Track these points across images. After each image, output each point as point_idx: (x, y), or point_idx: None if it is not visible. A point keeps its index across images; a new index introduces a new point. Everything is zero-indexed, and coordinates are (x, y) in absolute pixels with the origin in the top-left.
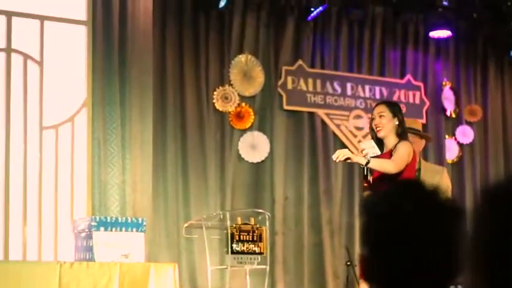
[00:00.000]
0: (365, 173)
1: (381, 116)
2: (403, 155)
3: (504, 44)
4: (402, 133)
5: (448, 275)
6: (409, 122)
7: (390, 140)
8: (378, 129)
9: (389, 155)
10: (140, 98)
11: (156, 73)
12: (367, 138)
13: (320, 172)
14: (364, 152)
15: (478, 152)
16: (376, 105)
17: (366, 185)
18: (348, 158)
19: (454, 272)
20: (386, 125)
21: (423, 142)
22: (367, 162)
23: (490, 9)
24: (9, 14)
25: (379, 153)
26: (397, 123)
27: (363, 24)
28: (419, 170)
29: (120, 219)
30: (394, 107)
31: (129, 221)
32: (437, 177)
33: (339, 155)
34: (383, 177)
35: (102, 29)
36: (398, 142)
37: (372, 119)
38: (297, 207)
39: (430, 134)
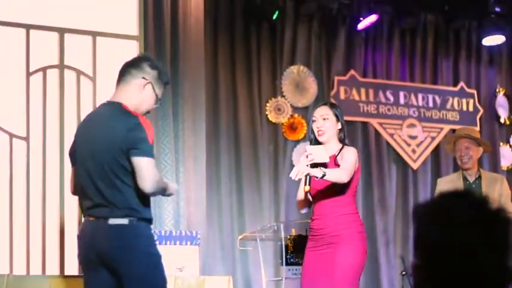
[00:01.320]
0: (306, 183)
1: (324, 119)
2: (352, 162)
3: None
4: (344, 138)
5: (501, 283)
6: (468, 130)
7: (332, 146)
8: (320, 132)
9: (333, 162)
10: (193, 111)
11: (209, 86)
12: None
13: (374, 181)
14: (309, 157)
15: None
16: (318, 107)
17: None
18: (308, 174)
19: (507, 280)
20: (330, 129)
21: (481, 150)
22: (323, 175)
23: None
24: (61, 31)
25: (327, 160)
26: (340, 127)
27: (414, 33)
28: (479, 178)
29: (174, 232)
30: (338, 110)
31: (183, 234)
32: (498, 185)
33: (298, 172)
34: (329, 188)
35: (153, 43)
36: (343, 148)
37: (312, 121)
38: None
39: (489, 143)
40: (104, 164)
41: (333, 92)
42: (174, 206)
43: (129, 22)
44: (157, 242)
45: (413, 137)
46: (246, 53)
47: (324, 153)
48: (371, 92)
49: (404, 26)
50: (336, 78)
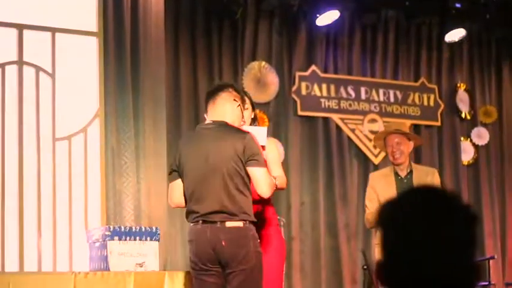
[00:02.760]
0: None
1: (247, 108)
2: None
3: None
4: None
5: (470, 280)
6: (398, 125)
7: None
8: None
9: None
10: (153, 107)
11: (170, 82)
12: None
13: (335, 176)
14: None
15: (493, 153)
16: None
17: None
18: None
19: (473, 277)
20: (248, 119)
21: (412, 144)
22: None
23: (503, 10)
24: (20, 27)
25: (265, 144)
26: (252, 116)
27: (375, 28)
28: (410, 172)
29: (134, 228)
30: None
31: (143, 230)
32: (429, 179)
33: None
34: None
35: (113, 39)
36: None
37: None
38: (313, 212)
39: (419, 136)
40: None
41: (294, 88)
42: (135, 202)
43: (89, 18)
44: (116, 238)
45: (374, 132)
46: (207, 49)
47: (264, 136)
48: (332, 87)
49: (365, 22)
50: (297, 73)
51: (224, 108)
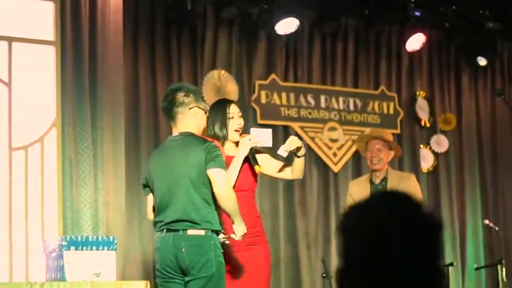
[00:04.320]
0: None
1: (241, 117)
2: None
3: (476, 53)
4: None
5: (434, 285)
6: (382, 132)
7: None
8: (240, 130)
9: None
10: (112, 117)
11: (129, 91)
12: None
13: (295, 184)
14: (254, 139)
15: (453, 161)
16: (232, 103)
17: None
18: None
19: (439, 282)
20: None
21: (392, 154)
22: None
23: (462, 19)
24: None
25: (270, 145)
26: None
27: (335, 37)
28: (385, 179)
29: (91, 238)
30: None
31: (100, 239)
32: (404, 183)
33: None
34: (252, 185)
35: (71, 48)
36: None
37: (230, 118)
38: (273, 220)
39: (400, 148)
40: None
41: (253, 96)
42: (93, 211)
43: (46, 27)
44: (72, 248)
45: (334, 140)
46: (166, 58)
47: (269, 137)
48: (292, 96)
49: (325, 30)
50: (257, 82)
51: (184, 120)
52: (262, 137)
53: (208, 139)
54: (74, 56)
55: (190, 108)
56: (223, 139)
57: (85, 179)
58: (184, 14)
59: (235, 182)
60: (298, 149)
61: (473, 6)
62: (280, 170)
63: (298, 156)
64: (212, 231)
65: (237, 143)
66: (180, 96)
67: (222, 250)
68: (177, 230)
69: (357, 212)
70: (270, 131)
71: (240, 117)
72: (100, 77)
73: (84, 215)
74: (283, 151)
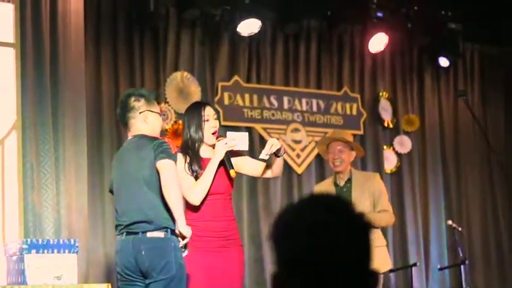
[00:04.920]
0: (231, 166)
1: (216, 119)
2: None
3: (438, 54)
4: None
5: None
6: (342, 134)
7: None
8: (216, 133)
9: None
10: (74, 119)
11: (91, 94)
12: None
13: (259, 186)
14: (230, 143)
15: (416, 162)
16: (207, 105)
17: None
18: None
19: (371, 284)
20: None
21: (354, 154)
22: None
23: (424, 19)
24: None
25: (247, 149)
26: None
27: (298, 38)
28: (349, 180)
29: (52, 241)
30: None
31: (61, 242)
32: (369, 184)
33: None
34: (228, 188)
35: (32, 51)
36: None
37: (206, 120)
38: (237, 222)
39: (361, 148)
40: None
41: (216, 98)
42: (55, 214)
43: (6, 29)
44: (33, 251)
45: (297, 142)
46: (128, 60)
47: (246, 140)
48: (255, 97)
49: (287, 31)
50: (220, 84)
51: (136, 125)
52: (239, 140)
53: (159, 138)
54: (34, 58)
55: (140, 113)
56: (199, 142)
57: (47, 181)
58: (146, 16)
59: (211, 185)
60: (278, 150)
61: (435, 7)
62: (261, 170)
63: (278, 156)
64: (172, 232)
65: (213, 146)
66: (131, 101)
67: (182, 252)
68: (136, 233)
69: (287, 216)
70: (246, 134)
71: (215, 119)
72: (61, 79)
73: (46, 218)
74: (264, 155)
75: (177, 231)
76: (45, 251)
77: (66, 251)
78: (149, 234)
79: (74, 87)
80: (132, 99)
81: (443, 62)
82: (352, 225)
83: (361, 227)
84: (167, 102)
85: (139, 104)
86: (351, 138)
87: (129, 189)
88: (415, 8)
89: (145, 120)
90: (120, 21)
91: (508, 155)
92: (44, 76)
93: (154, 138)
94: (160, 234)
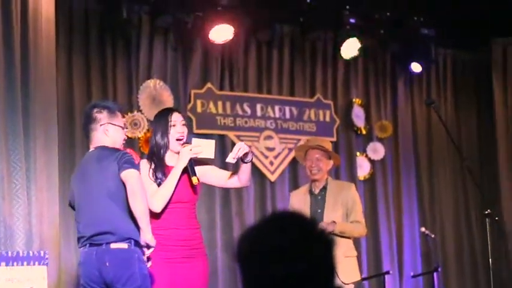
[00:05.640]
0: (194, 173)
1: (183, 125)
2: None
3: (411, 60)
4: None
5: None
6: (321, 141)
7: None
8: (183, 139)
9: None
10: (45, 128)
11: (63, 102)
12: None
13: (232, 194)
14: (195, 150)
15: (389, 168)
16: (174, 111)
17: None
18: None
19: None
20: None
21: (331, 163)
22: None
23: (398, 26)
24: None
25: (212, 157)
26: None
27: (271, 44)
28: (324, 189)
29: (21, 253)
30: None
31: (31, 254)
32: (343, 194)
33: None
34: (193, 196)
35: (2, 59)
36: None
37: (172, 126)
38: (210, 230)
39: (339, 157)
40: None
41: (189, 106)
42: (26, 225)
43: None
44: (3, 264)
45: (270, 149)
46: (101, 68)
47: (212, 148)
48: (228, 104)
49: (260, 38)
50: (193, 91)
51: (97, 136)
52: (205, 147)
53: (121, 149)
54: (5, 67)
55: (101, 125)
56: (164, 148)
57: (18, 192)
58: (119, 23)
59: (173, 193)
60: (245, 155)
61: (408, 13)
62: (228, 179)
63: (245, 162)
64: (136, 244)
65: (179, 153)
66: (94, 112)
67: (147, 263)
68: (100, 244)
69: (251, 237)
70: (213, 142)
71: (183, 125)
72: (32, 88)
73: (17, 228)
74: (231, 158)
75: (142, 242)
76: (15, 263)
77: (36, 263)
78: (113, 246)
79: (45, 96)
80: (95, 110)
81: (416, 67)
82: (309, 248)
83: (321, 246)
84: (140, 110)
85: (100, 116)
86: (329, 147)
87: (91, 201)
88: (388, 14)
89: (106, 133)
90: (92, 29)
91: (481, 161)
92: (14, 85)
93: (116, 150)
94: (124, 245)
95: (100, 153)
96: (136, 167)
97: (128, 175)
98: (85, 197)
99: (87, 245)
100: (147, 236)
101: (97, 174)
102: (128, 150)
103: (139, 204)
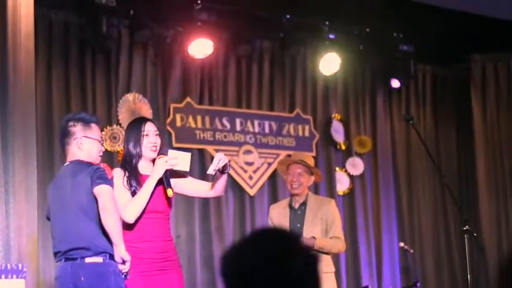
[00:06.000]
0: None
1: (157, 135)
2: None
3: (390, 76)
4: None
5: None
6: (303, 156)
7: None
8: (154, 148)
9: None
10: (24, 141)
11: (42, 116)
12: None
13: (211, 208)
14: (171, 162)
15: (368, 183)
16: (148, 121)
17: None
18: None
19: None
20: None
21: (313, 179)
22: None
23: (377, 41)
24: None
25: (187, 170)
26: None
27: (250, 59)
28: (304, 204)
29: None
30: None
31: (9, 267)
32: (323, 209)
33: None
34: (165, 207)
35: None
36: None
37: (145, 135)
38: (189, 244)
39: (320, 173)
40: None
41: (168, 120)
42: (4, 237)
43: None
44: None
45: (249, 163)
46: (80, 82)
47: (188, 161)
48: (207, 119)
49: (240, 53)
50: (172, 105)
51: (72, 150)
52: (180, 159)
53: (94, 163)
54: None
55: (75, 139)
56: (137, 157)
57: None
58: (98, 37)
59: (149, 203)
60: (224, 165)
61: (387, 29)
62: (204, 190)
63: (223, 173)
64: (110, 257)
65: (153, 161)
66: (68, 126)
67: (123, 276)
68: (75, 259)
69: (235, 254)
70: (189, 154)
71: (156, 135)
72: (11, 102)
73: None
74: (212, 170)
75: (117, 258)
76: None
77: (14, 276)
78: (88, 260)
79: (24, 110)
80: (69, 124)
81: (395, 83)
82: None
83: (303, 262)
84: (119, 124)
85: (75, 129)
86: (312, 162)
87: (65, 216)
88: (367, 29)
89: (80, 146)
90: (72, 43)
91: (460, 176)
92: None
93: (89, 164)
94: (99, 259)
95: (74, 168)
96: (109, 182)
97: (100, 191)
98: (58, 212)
99: (63, 259)
100: (121, 251)
101: (70, 189)
102: (102, 164)
103: (111, 220)
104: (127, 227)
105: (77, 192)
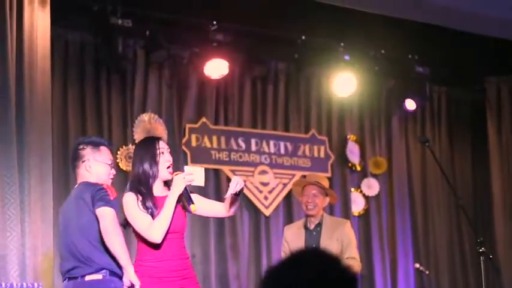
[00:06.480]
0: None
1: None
2: None
3: (406, 97)
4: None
5: None
6: (318, 178)
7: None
8: (172, 167)
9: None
10: (40, 160)
11: (59, 135)
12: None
13: (226, 228)
14: (188, 178)
15: (383, 204)
16: (160, 139)
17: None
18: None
19: None
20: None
21: (327, 200)
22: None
23: (392, 62)
24: None
25: (203, 185)
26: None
27: (266, 80)
28: (319, 225)
29: (15, 284)
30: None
31: (25, 286)
32: (339, 231)
33: (237, 183)
34: (182, 227)
35: None
36: None
37: (161, 153)
38: (204, 264)
39: (335, 195)
40: None
41: (184, 140)
42: (20, 256)
43: None
44: None
45: (265, 184)
46: (96, 102)
47: (203, 176)
48: (223, 139)
49: (255, 74)
50: (188, 125)
51: (81, 173)
52: (196, 175)
53: (98, 184)
54: (0, 101)
55: (83, 161)
56: (153, 177)
57: (12, 224)
58: (114, 57)
59: (170, 223)
60: (241, 189)
61: (403, 51)
62: (215, 209)
63: (237, 195)
64: (111, 274)
65: (165, 183)
66: (77, 149)
67: None
68: (76, 277)
69: (273, 277)
70: (203, 169)
71: (169, 152)
72: (27, 122)
73: (10, 260)
74: (229, 194)
75: (125, 281)
76: None
77: None
78: (87, 278)
79: (40, 129)
80: (79, 147)
81: (410, 105)
82: (339, 280)
83: (348, 281)
84: (135, 144)
85: (83, 153)
86: (326, 184)
87: (68, 236)
88: (383, 51)
89: (88, 169)
90: (88, 63)
91: (475, 198)
92: (9, 117)
93: (92, 185)
94: (98, 276)
95: (80, 190)
96: (111, 203)
97: (102, 213)
98: (63, 232)
99: (66, 279)
100: (130, 274)
101: (75, 210)
102: (105, 185)
103: (115, 242)
104: (146, 246)
105: (80, 213)
